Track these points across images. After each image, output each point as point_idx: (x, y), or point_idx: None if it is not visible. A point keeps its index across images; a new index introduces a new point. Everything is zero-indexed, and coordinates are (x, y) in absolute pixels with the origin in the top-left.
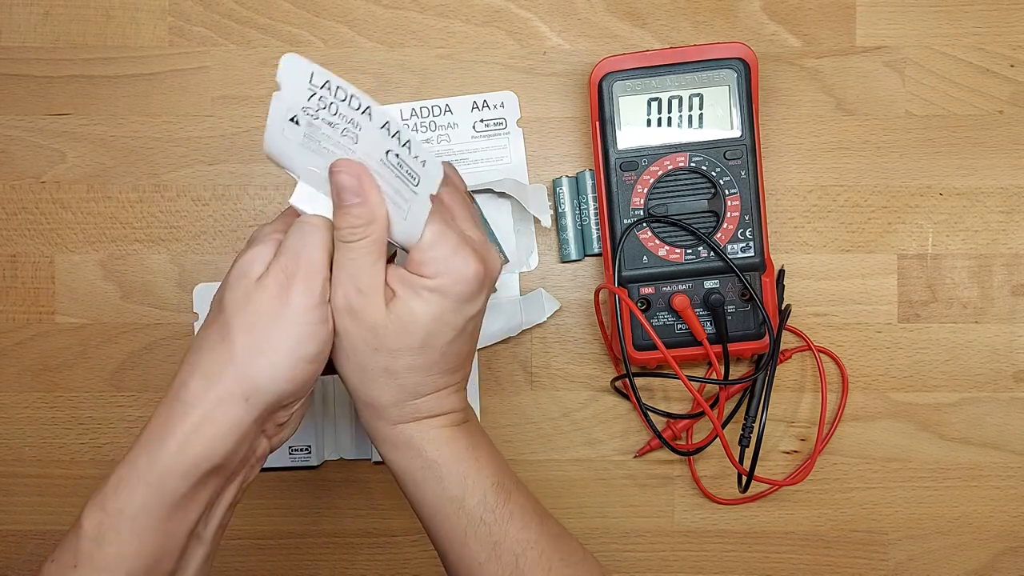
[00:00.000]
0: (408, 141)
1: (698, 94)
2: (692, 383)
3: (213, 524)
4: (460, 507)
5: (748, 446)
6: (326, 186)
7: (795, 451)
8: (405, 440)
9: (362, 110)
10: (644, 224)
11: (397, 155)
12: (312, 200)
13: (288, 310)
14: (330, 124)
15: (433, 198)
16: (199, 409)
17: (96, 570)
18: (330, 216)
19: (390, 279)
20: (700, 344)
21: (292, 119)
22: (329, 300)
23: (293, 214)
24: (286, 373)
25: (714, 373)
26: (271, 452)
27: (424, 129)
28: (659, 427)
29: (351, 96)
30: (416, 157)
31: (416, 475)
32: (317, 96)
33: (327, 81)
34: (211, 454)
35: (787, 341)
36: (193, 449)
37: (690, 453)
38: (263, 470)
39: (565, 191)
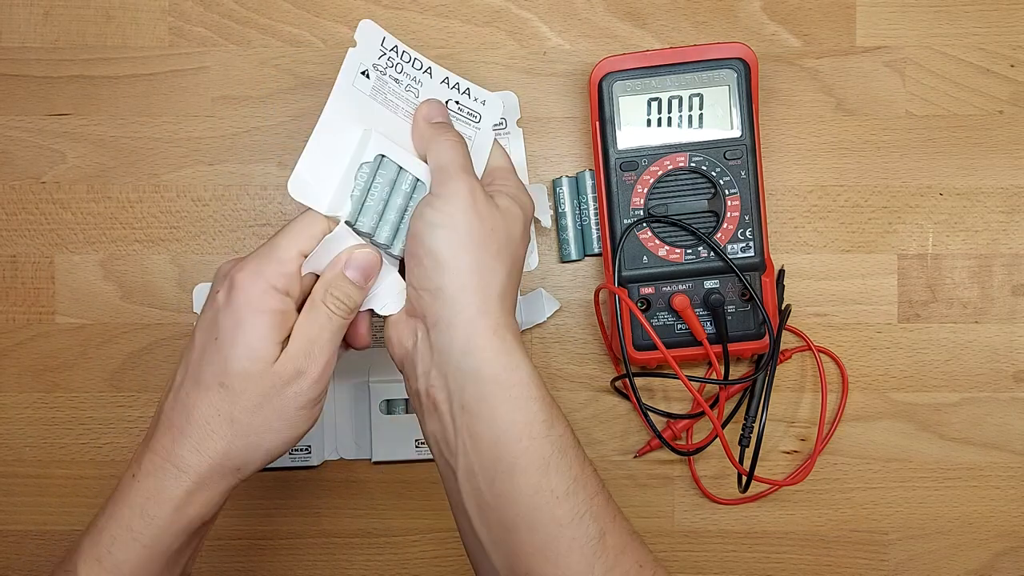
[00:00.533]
0: (468, 88)
1: (698, 94)
2: (692, 383)
3: (195, 557)
4: (549, 432)
5: (748, 446)
6: (393, 137)
7: (795, 451)
8: (506, 348)
9: (424, 69)
10: (644, 224)
11: (457, 102)
12: (339, 241)
13: (296, 401)
14: (396, 80)
15: (495, 128)
16: (193, 477)
17: None
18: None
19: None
20: (700, 344)
21: (363, 72)
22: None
23: (284, 259)
24: (281, 450)
25: (714, 373)
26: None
27: None
28: (659, 427)
29: (415, 59)
30: (476, 99)
31: (511, 390)
32: (386, 56)
33: (395, 46)
34: (205, 514)
35: (787, 341)
36: (189, 512)
37: (690, 453)
38: (264, 470)
39: (565, 191)
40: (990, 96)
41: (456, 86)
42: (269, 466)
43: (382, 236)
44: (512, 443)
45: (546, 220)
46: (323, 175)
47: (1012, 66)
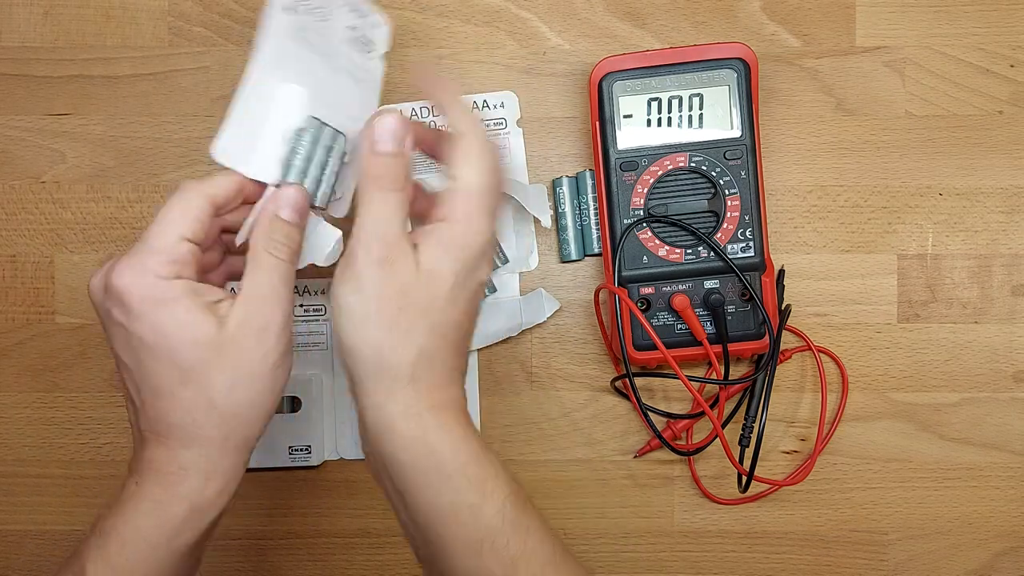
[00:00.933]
0: (358, 6)
1: (698, 94)
2: (692, 383)
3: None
4: (478, 515)
5: (748, 446)
6: (319, 85)
7: (795, 451)
8: (420, 432)
9: None
10: (644, 224)
11: (354, 27)
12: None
13: (267, 361)
14: (309, 12)
15: (384, 57)
16: (201, 472)
17: None
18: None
19: (412, 235)
20: (700, 344)
21: (286, 8)
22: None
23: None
24: (272, 410)
25: (714, 373)
26: None
27: None
28: (659, 427)
29: None
30: (369, 23)
31: (428, 475)
32: None
33: None
34: (220, 504)
35: (787, 341)
36: (203, 507)
37: (690, 453)
38: (263, 470)
39: (565, 191)
40: (990, 96)
41: (356, 9)
42: (269, 466)
43: (319, 199)
44: (440, 528)
45: (546, 220)
46: (250, 137)
47: (1012, 66)
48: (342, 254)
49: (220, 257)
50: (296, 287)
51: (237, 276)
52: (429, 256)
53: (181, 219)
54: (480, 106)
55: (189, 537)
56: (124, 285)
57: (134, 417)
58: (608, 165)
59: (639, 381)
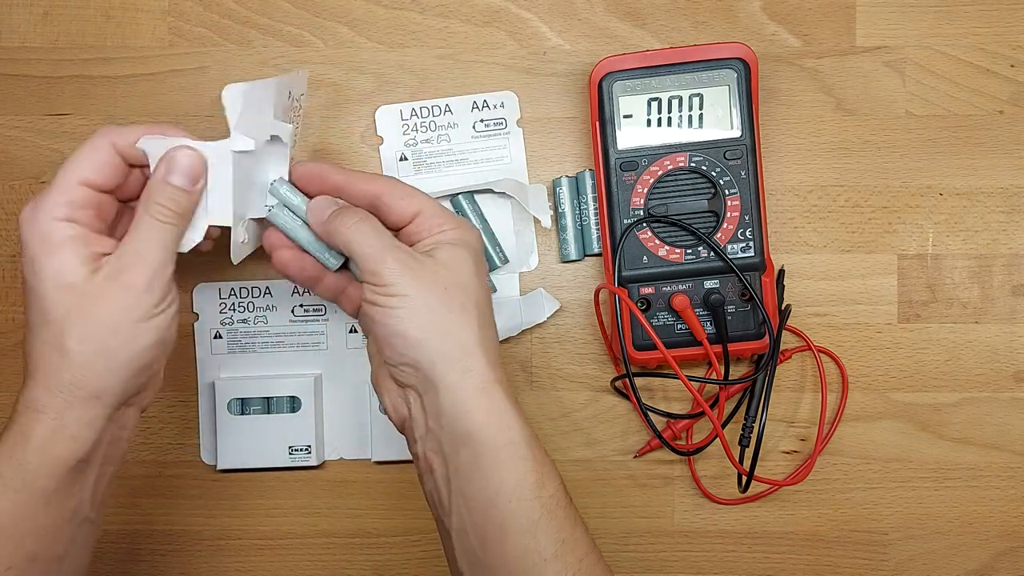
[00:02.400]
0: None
1: (698, 94)
2: (692, 383)
3: (98, 502)
4: (539, 493)
5: (748, 446)
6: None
7: (795, 451)
8: (495, 406)
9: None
10: (644, 224)
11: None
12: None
13: (128, 315)
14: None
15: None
16: (51, 416)
17: None
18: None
19: (417, 247)
20: (700, 344)
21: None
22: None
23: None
24: (134, 367)
25: (714, 373)
26: (142, 414)
27: (424, 129)
28: (659, 427)
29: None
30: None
31: (500, 452)
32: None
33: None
34: (77, 449)
35: (787, 341)
36: (57, 450)
37: (690, 453)
38: (263, 470)
39: (565, 191)
40: (990, 96)
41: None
42: (269, 466)
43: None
44: (501, 505)
45: (546, 220)
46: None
47: (1012, 66)
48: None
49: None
50: (296, 287)
51: None
52: (442, 252)
53: (84, 162)
54: (480, 106)
55: (47, 483)
56: (22, 220)
57: (24, 360)
58: (608, 165)
59: (639, 381)
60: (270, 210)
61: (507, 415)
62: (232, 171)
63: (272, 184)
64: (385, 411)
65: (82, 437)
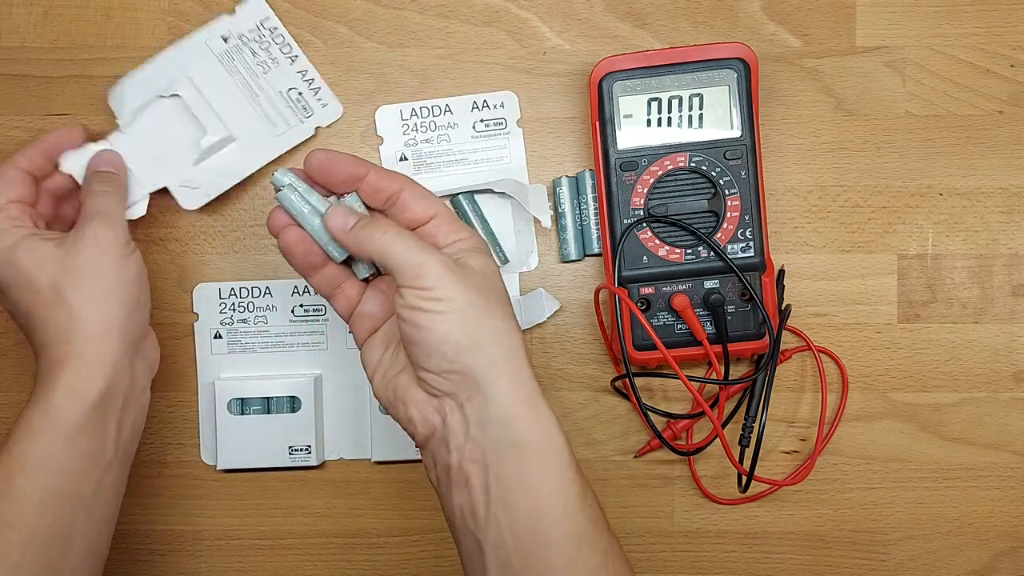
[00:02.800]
0: (320, 87)
1: (698, 94)
2: (692, 383)
3: (121, 448)
4: (583, 503)
5: (748, 446)
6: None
7: (795, 451)
8: (544, 418)
9: (289, 56)
10: (644, 224)
11: (301, 93)
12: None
13: (104, 254)
14: (253, 53)
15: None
16: (72, 357)
17: (11, 500)
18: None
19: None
20: (700, 344)
21: (224, 37)
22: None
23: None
24: (125, 303)
25: (714, 373)
26: (152, 370)
27: (424, 129)
28: (659, 427)
29: (287, 43)
30: (320, 100)
31: (546, 459)
32: (259, 31)
33: (276, 27)
34: (97, 385)
35: (787, 341)
36: (78, 386)
37: (690, 453)
38: (263, 470)
39: (565, 191)
40: (990, 96)
41: (310, 80)
42: (269, 466)
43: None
44: (548, 514)
45: (546, 220)
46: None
47: (1012, 66)
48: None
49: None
50: (296, 287)
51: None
52: (474, 259)
53: (7, 188)
54: (480, 106)
55: (70, 421)
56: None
57: (34, 355)
58: (608, 165)
59: (639, 381)
60: (279, 191)
61: (551, 422)
62: (144, 147)
63: (275, 174)
64: (404, 424)
65: (101, 372)
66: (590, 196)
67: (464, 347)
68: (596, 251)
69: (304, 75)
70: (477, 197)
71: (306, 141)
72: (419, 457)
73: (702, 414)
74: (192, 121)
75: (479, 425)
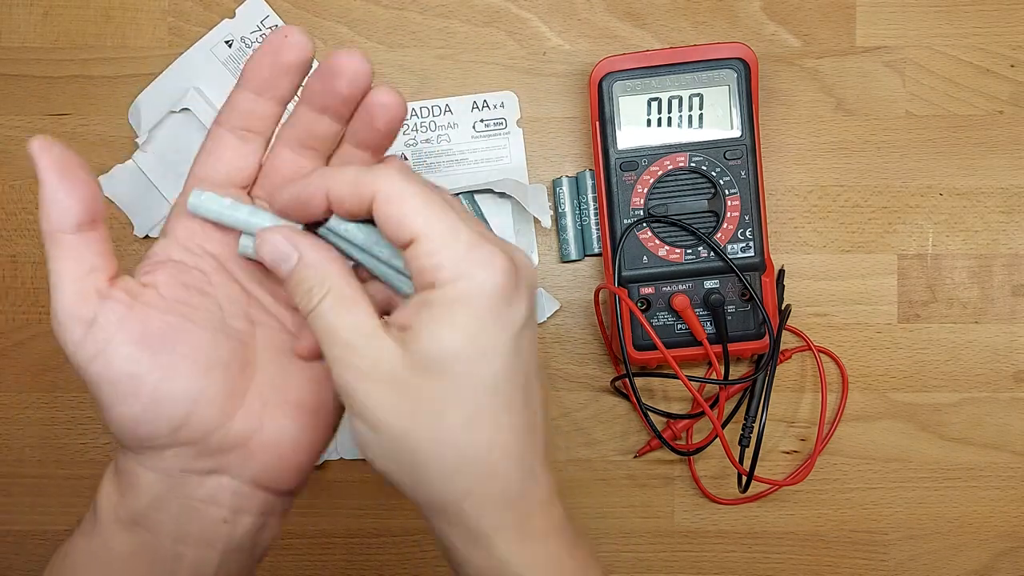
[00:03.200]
0: None
1: (698, 94)
2: (692, 383)
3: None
4: None
5: (748, 446)
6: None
7: (795, 451)
8: (575, 560)
9: None
10: (644, 224)
11: None
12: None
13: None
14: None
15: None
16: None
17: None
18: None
19: (393, 318)
20: (700, 344)
21: (227, 42)
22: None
23: None
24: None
25: (714, 373)
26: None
27: (424, 129)
28: (659, 427)
29: None
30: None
31: None
32: (260, 32)
33: (276, 25)
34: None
35: (787, 341)
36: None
37: (690, 453)
38: None
39: (565, 191)
40: (990, 96)
41: None
42: None
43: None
44: None
45: (546, 220)
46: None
47: (1012, 66)
48: None
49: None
50: None
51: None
52: (416, 332)
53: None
54: (480, 106)
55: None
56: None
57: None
58: (608, 165)
59: (639, 381)
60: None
61: (592, 569)
62: (166, 164)
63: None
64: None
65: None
66: (590, 196)
67: (426, 479)
68: (596, 251)
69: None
70: (477, 197)
71: None
72: None
73: (702, 414)
74: (204, 132)
75: (487, 570)
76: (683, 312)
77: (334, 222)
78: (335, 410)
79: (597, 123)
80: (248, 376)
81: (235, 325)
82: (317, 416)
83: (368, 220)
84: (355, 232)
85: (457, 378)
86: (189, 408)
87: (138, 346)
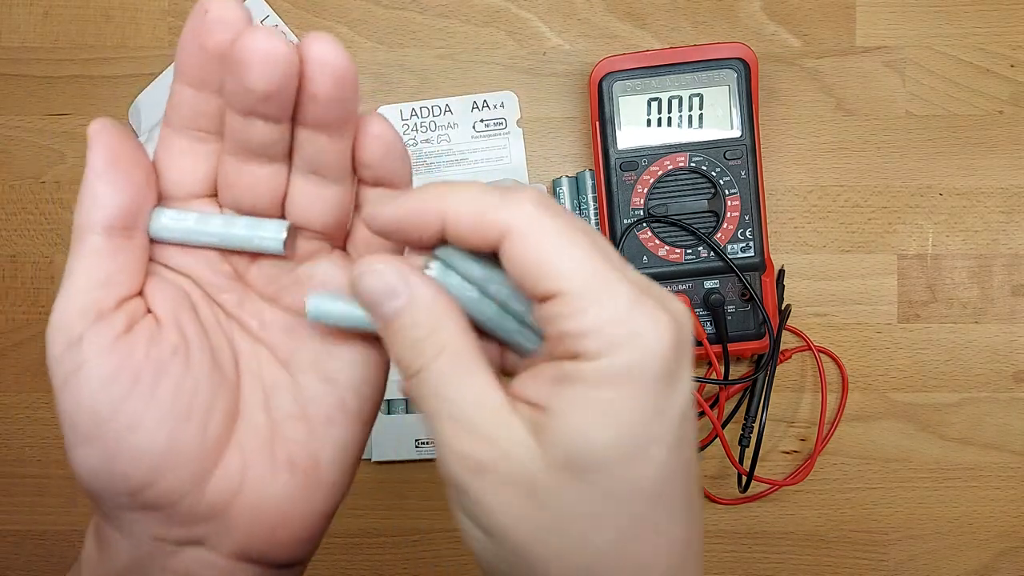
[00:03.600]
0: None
1: (698, 94)
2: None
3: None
4: None
5: (748, 446)
6: None
7: (795, 451)
8: None
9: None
10: (644, 224)
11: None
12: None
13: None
14: None
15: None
16: None
17: None
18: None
19: (519, 388)
20: (700, 344)
21: None
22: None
23: None
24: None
25: (714, 373)
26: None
27: (424, 129)
28: None
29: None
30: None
31: None
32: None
33: (276, 25)
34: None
35: (787, 341)
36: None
37: None
38: None
39: (565, 191)
40: (990, 96)
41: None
42: None
43: None
44: None
45: None
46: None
47: (1012, 66)
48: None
49: None
50: None
51: None
52: (559, 417)
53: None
54: (480, 106)
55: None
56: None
57: None
58: (608, 165)
59: None
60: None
61: None
62: None
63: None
64: None
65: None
66: (590, 196)
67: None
68: None
69: None
70: None
71: None
72: (419, 457)
73: (702, 414)
74: None
75: None
76: None
77: (449, 252)
78: (339, 468)
79: (597, 123)
80: (229, 427)
81: (222, 359)
82: (314, 475)
83: (487, 254)
84: (475, 270)
85: (609, 485)
86: (154, 467)
87: (109, 381)
